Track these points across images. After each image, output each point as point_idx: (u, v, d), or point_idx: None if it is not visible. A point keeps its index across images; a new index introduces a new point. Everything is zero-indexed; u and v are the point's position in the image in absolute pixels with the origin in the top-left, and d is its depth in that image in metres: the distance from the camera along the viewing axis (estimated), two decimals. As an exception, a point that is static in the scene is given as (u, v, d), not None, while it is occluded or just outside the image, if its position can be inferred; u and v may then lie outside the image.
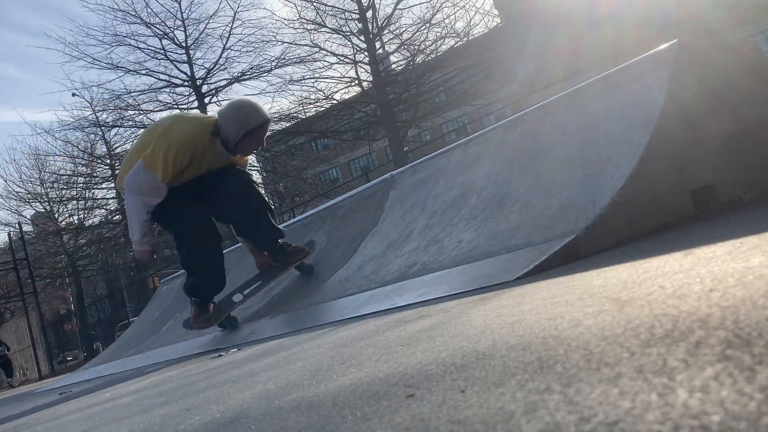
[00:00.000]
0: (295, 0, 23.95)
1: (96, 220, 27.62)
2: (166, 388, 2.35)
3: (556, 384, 0.80)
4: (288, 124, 25.44)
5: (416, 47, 23.58)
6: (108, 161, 26.32)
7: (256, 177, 26.62)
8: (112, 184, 26.65)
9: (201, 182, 4.24)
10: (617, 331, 0.99)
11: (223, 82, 25.11)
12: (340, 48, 24.48)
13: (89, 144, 26.53)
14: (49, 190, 27.79)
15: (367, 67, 24.05)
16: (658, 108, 2.85)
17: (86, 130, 25.69)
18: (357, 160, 41.07)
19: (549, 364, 0.91)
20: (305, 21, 23.80)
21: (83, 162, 26.49)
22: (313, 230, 5.39)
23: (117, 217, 26.54)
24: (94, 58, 23.65)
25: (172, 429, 1.34)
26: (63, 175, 26.86)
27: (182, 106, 24.63)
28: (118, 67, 23.83)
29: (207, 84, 24.85)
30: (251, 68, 24.64)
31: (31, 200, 28.29)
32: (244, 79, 24.83)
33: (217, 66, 24.53)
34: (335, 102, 24.67)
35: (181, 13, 24.15)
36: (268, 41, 25.59)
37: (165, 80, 24.41)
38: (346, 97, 25.24)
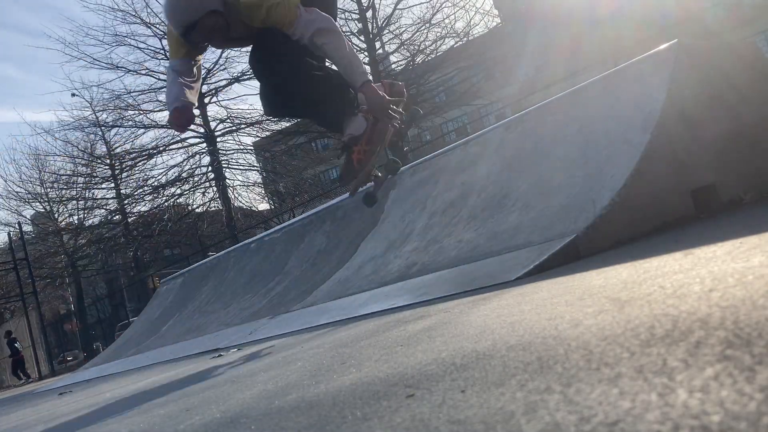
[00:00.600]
0: (295, 0, 23.95)
1: (96, 220, 27.61)
2: (166, 388, 2.35)
3: (556, 384, 0.80)
4: (288, 124, 25.42)
5: (416, 47, 23.57)
6: (108, 161, 26.31)
7: (257, 177, 26.64)
8: (112, 184, 26.65)
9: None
10: (617, 331, 0.99)
11: (223, 82, 25.11)
12: (340, 48, 24.45)
13: (89, 144, 26.54)
14: (49, 190, 27.80)
15: (367, 67, 24.05)
16: (658, 108, 2.85)
17: (86, 130, 25.70)
18: (357, 160, 40.92)
19: (549, 364, 0.91)
20: (305, 21, 23.78)
21: (83, 162, 26.48)
22: (312, 231, 5.39)
23: (117, 217, 26.53)
24: (93, 58, 23.66)
25: (172, 429, 1.34)
26: (63, 175, 26.86)
27: (182, 107, 24.58)
28: (118, 67, 23.84)
29: (207, 84, 24.83)
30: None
31: (31, 200, 28.30)
32: (244, 79, 24.82)
33: (217, 66, 24.52)
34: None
35: (181, 13, 24.09)
36: (268, 41, 25.51)
37: (165, 80, 24.40)
38: (346, 97, 25.20)
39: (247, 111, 26.56)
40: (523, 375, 0.89)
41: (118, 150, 26.02)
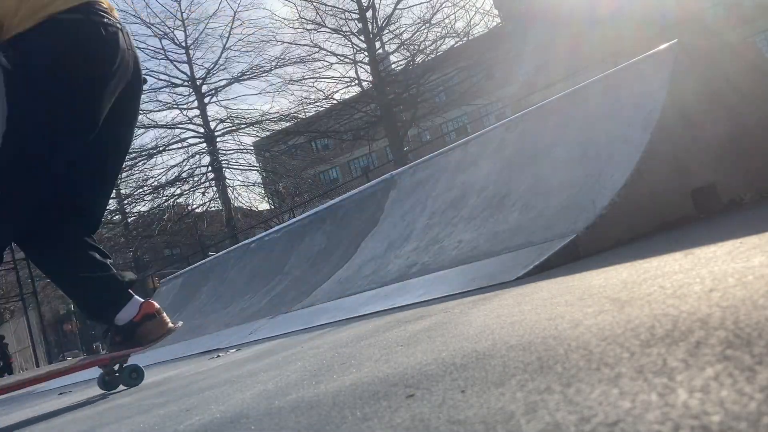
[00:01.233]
0: (295, 0, 23.98)
1: (96, 220, 27.58)
2: (166, 388, 2.35)
3: (556, 384, 0.80)
4: (288, 124, 25.44)
5: (416, 47, 23.58)
6: (108, 161, 26.30)
7: (257, 177, 26.63)
8: (112, 184, 26.61)
9: None
10: (617, 331, 0.99)
11: (223, 82, 25.13)
12: (340, 48, 24.49)
13: (89, 144, 26.53)
14: (49, 190, 27.77)
15: (367, 67, 24.05)
16: (658, 108, 2.85)
17: (86, 130, 25.68)
18: (357, 160, 41.07)
19: (549, 364, 0.91)
20: (305, 21, 23.82)
21: (83, 162, 26.45)
22: (312, 230, 5.39)
23: (117, 217, 26.53)
24: (94, 58, 23.63)
25: (172, 429, 1.34)
26: (63, 175, 26.84)
27: (182, 106, 24.65)
28: (117, 67, 23.82)
29: (207, 84, 24.86)
30: (251, 68, 24.67)
31: (31, 200, 28.28)
32: (244, 79, 24.87)
33: (216, 66, 24.55)
34: (335, 102, 24.67)
35: (181, 13, 24.19)
36: (267, 41, 25.63)
37: (165, 80, 24.43)
38: (346, 97, 25.25)
39: (247, 111, 26.63)
40: (523, 375, 0.89)
41: (117, 150, 26.00)
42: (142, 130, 25.02)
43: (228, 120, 24.92)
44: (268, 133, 25.83)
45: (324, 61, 24.38)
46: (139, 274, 28.71)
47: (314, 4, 23.42)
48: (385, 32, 24.16)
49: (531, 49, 25.86)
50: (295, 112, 25.05)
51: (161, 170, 29.01)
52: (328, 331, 2.82)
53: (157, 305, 2.92)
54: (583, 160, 3.06)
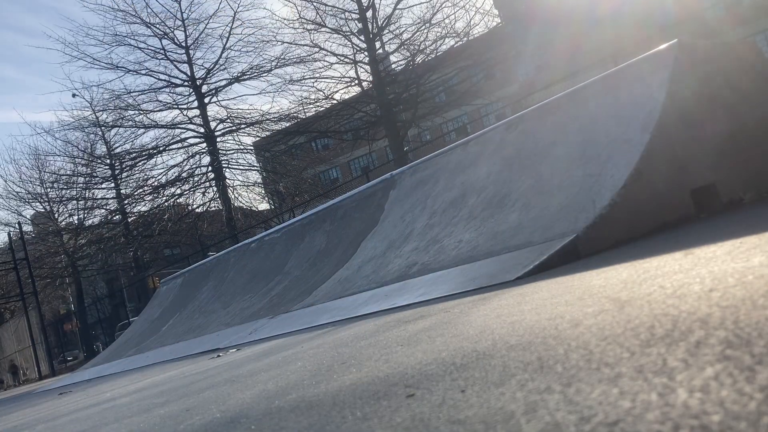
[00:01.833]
0: (295, 0, 23.96)
1: (96, 220, 27.60)
2: (166, 388, 2.35)
3: (556, 384, 0.80)
4: (288, 124, 25.43)
5: (416, 47, 23.55)
6: (108, 161, 26.31)
7: (257, 177, 26.63)
8: (112, 184, 26.64)
9: None
10: (617, 331, 0.99)
11: (223, 82, 25.10)
12: (340, 48, 24.47)
13: (89, 144, 26.54)
14: (49, 190, 27.79)
15: (367, 67, 24.03)
16: (658, 108, 2.85)
17: (86, 130, 25.71)
18: (357, 160, 41.07)
19: (549, 364, 0.91)
20: (305, 21, 23.79)
21: (83, 162, 26.48)
22: (312, 230, 5.39)
23: (117, 217, 26.52)
24: (94, 58, 23.66)
25: (172, 429, 1.34)
26: (63, 175, 26.86)
27: (182, 106, 24.63)
28: (118, 67, 23.83)
29: (207, 84, 24.84)
30: (251, 68, 24.64)
31: (31, 200, 28.29)
32: (244, 79, 24.83)
33: (217, 66, 24.52)
34: (335, 102, 24.65)
35: (181, 13, 24.15)
36: (268, 41, 25.58)
37: (165, 80, 24.41)
38: (346, 97, 25.23)
39: (247, 111, 26.54)
40: (523, 375, 0.89)
41: (118, 150, 26.03)
42: (142, 130, 25.01)
43: (228, 120, 24.91)
44: (268, 133, 25.81)
45: (324, 61, 24.36)
46: (140, 274, 28.72)
47: (314, 4, 23.41)
48: (385, 32, 24.13)
49: (531, 49, 25.88)
50: (295, 112, 25.03)
51: (161, 170, 28.99)
52: (328, 331, 2.82)
53: None
54: (583, 160, 3.06)
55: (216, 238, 26.05)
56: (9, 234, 23.49)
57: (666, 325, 0.94)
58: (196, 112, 25.36)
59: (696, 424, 0.55)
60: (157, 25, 24.22)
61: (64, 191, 27.58)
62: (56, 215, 28.86)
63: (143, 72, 24.64)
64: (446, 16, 23.74)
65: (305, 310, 3.99)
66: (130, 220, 26.58)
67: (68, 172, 27.01)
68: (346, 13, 23.86)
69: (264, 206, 29.37)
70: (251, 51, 25.17)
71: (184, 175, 24.86)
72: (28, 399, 5.68)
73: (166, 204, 25.18)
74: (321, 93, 24.78)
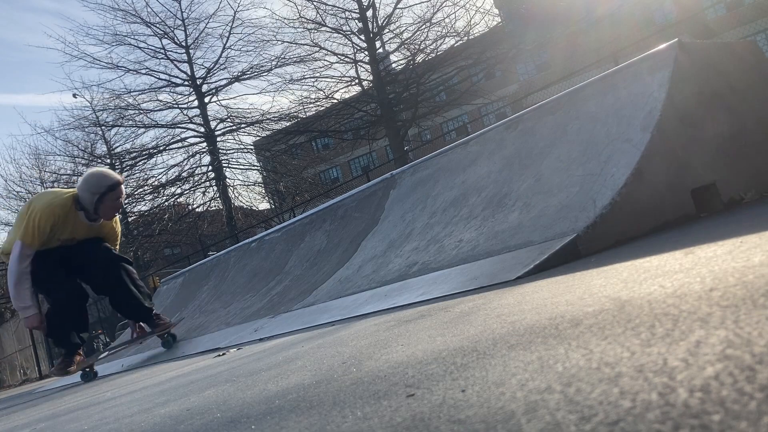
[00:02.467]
0: (296, 0, 23.98)
1: (96, 219, 27.59)
2: (167, 388, 2.35)
3: (556, 383, 0.80)
4: (288, 124, 25.44)
5: (416, 46, 23.57)
6: (108, 161, 26.33)
7: (257, 177, 26.63)
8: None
9: (70, 250, 4.79)
10: (617, 331, 0.99)
11: (224, 82, 25.13)
12: (341, 47, 24.48)
13: (89, 143, 26.57)
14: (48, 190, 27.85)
15: (368, 67, 24.04)
16: (658, 107, 2.85)
17: (86, 130, 25.73)
18: (357, 160, 41.10)
19: (549, 364, 0.91)
20: (305, 20, 23.80)
21: (83, 162, 26.50)
22: (313, 230, 5.39)
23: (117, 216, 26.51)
24: (94, 58, 23.70)
25: (172, 429, 1.34)
26: (63, 174, 26.89)
27: (182, 106, 24.64)
28: (118, 66, 23.86)
29: (207, 83, 24.86)
30: (251, 67, 24.67)
31: (31, 200, 28.34)
32: (244, 79, 24.85)
33: (217, 65, 24.54)
34: (335, 101, 24.67)
35: (181, 12, 24.17)
36: (268, 41, 25.64)
37: (165, 80, 24.44)
38: (347, 96, 25.24)
39: (247, 110, 26.57)
40: (524, 374, 0.89)
41: (118, 149, 26.06)
42: (142, 130, 25.03)
43: (228, 119, 24.93)
44: (268, 133, 25.83)
45: (324, 60, 24.37)
46: (140, 273, 28.70)
47: (314, 3, 23.42)
48: (385, 31, 24.15)
49: (531, 48, 25.88)
50: (296, 112, 25.05)
51: (161, 170, 29.03)
52: (329, 331, 2.82)
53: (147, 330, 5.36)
54: (583, 159, 3.06)
55: (216, 238, 26.06)
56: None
57: (666, 324, 0.94)
58: (197, 111, 25.37)
59: (696, 423, 0.55)
60: (158, 25, 24.23)
61: (64, 191, 27.54)
62: (56, 215, 28.80)
63: (143, 71, 24.66)
64: (446, 15, 23.77)
65: (305, 310, 3.99)
66: (130, 219, 26.58)
67: (68, 172, 27.02)
68: (347, 13, 23.86)
69: (264, 206, 29.39)
70: (251, 50, 25.18)
71: (184, 174, 24.87)
72: (28, 399, 5.68)
73: (166, 203, 25.19)
74: (321, 92, 24.77)
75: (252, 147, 27.04)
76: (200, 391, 1.87)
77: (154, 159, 25.22)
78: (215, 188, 24.71)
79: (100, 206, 4.63)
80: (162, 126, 24.84)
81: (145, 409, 1.82)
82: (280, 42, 24.79)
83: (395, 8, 23.76)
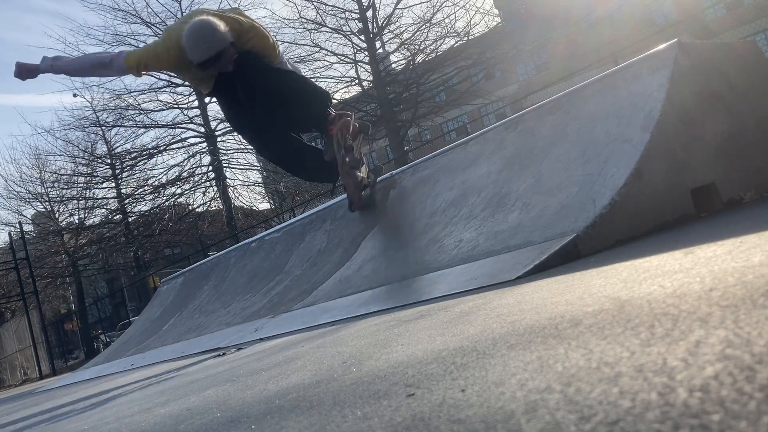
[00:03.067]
0: (296, 0, 23.98)
1: (96, 219, 27.61)
2: (167, 388, 2.35)
3: (556, 383, 0.80)
4: (288, 124, 25.40)
5: (416, 47, 23.56)
6: (108, 161, 26.34)
7: (257, 177, 26.61)
8: (113, 184, 26.67)
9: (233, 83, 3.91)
10: (617, 331, 0.99)
11: (224, 82, 25.08)
12: (341, 47, 24.48)
13: (90, 144, 26.56)
14: (49, 189, 27.82)
15: (368, 67, 24.03)
16: (658, 107, 2.85)
17: (87, 130, 25.72)
18: (357, 160, 40.98)
19: (549, 364, 0.91)
20: (305, 20, 23.80)
21: (83, 162, 26.50)
22: (313, 230, 5.39)
23: (117, 216, 26.54)
24: (94, 58, 23.66)
25: (172, 429, 1.34)
26: (63, 174, 26.89)
27: (183, 106, 24.63)
28: (118, 66, 23.82)
29: (207, 84, 24.80)
30: (251, 68, 24.62)
31: (31, 200, 28.32)
32: (244, 79, 24.82)
33: (217, 66, 24.49)
34: (335, 101, 24.66)
35: (182, 12, 24.15)
36: (268, 41, 25.59)
37: (165, 80, 24.42)
38: (347, 96, 25.24)
39: (247, 110, 26.54)
40: (523, 374, 0.89)
41: (118, 149, 26.04)
42: (142, 130, 25.01)
43: (228, 119, 24.90)
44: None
45: (324, 60, 24.36)
46: (140, 273, 28.72)
47: (315, 3, 23.41)
48: (385, 32, 24.14)
49: (531, 48, 25.88)
50: (296, 112, 24.99)
51: (162, 170, 29.03)
52: (329, 331, 2.82)
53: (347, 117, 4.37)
54: (583, 159, 3.06)
55: (216, 238, 26.04)
56: (10, 234, 23.49)
57: (666, 324, 0.94)
58: (197, 111, 25.34)
59: (696, 423, 0.55)
60: (158, 25, 24.20)
61: (64, 191, 27.59)
62: (57, 215, 28.87)
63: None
64: (446, 15, 23.73)
65: (306, 310, 3.99)
66: (130, 219, 26.57)
67: (69, 172, 27.01)
68: (347, 13, 23.84)
69: (264, 206, 29.37)
70: (251, 51, 25.09)
71: (184, 174, 24.85)
72: (28, 398, 5.68)
73: (166, 204, 25.17)
74: (321, 92, 24.64)
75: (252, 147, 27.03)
76: (200, 391, 1.87)
77: (154, 159, 25.21)
78: (215, 188, 24.70)
79: (206, 67, 3.73)
80: (162, 126, 24.83)
81: (145, 409, 1.82)
82: (280, 42, 24.80)
83: (395, 8, 23.76)
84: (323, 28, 24.01)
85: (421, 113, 24.22)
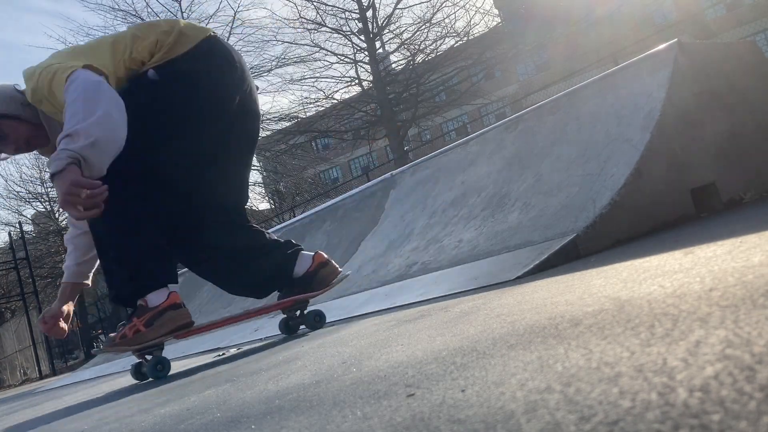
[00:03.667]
0: (296, 0, 24.01)
1: (96, 219, 27.61)
2: (167, 388, 2.35)
3: (556, 383, 0.80)
4: (288, 124, 25.44)
5: (416, 47, 23.58)
6: (108, 161, 26.34)
7: (257, 177, 26.61)
8: (112, 184, 26.68)
9: None
10: (617, 331, 0.99)
11: (223, 82, 25.10)
12: (341, 47, 24.53)
13: (89, 144, 26.56)
14: (49, 189, 27.83)
15: (367, 67, 24.05)
16: (658, 107, 2.85)
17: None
18: (357, 160, 41.12)
19: (549, 364, 0.91)
20: (305, 20, 23.81)
21: (83, 162, 26.48)
22: (313, 230, 5.39)
23: (117, 216, 26.52)
24: (94, 58, 23.66)
25: (172, 429, 1.34)
26: (63, 174, 26.87)
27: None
28: (118, 66, 23.83)
29: (207, 84, 24.81)
30: (251, 68, 24.66)
31: (31, 200, 28.34)
32: (244, 79, 24.84)
33: (217, 66, 24.51)
34: (335, 101, 24.67)
35: (182, 12, 24.16)
36: (268, 41, 25.72)
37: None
38: (347, 96, 25.25)
39: (247, 111, 26.57)
40: (523, 374, 0.89)
41: (118, 149, 26.03)
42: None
43: (228, 120, 24.91)
44: (268, 133, 25.84)
45: (324, 60, 24.38)
46: (140, 273, 28.68)
47: (314, 3, 23.42)
48: (385, 32, 24.15)
49: (531, 48, 25.89)
50: (296, 112, 25.04)
51: (161, 170, 28.92)
52: (329, 331, 2.82)
53: (326, 255, 3.19)
54: (582, 159, 3.06)
55: (216, 238, 25.95)
56: (9, 233, 23.49)
57: (666, 324, 0.94)
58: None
59: (696, 423, 0.55)
60: (157, 25, 24.17)
61: (64, 191, 27.54)
62: (57, 215, 28.88)
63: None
64: (446, 15, 23.79)
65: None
66: (130, 219, 26.53)
67: (68, 172, 26.97)
68: (347, 13, 23.87)
69: (264, 206, 29.39)
70: (251, 51, 25.21)
71: (184, 174, 24.84)
72: (28, 398, 5.68)
73: (166, 204, 25.14)
74: (321, 92, 24.81)
75: (252, 147, 27.03)
76: (200, 391, 1.87)
77: (154, 159, 25.21)
78: (215, 188, 24.67)
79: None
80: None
81: (145, 409, 1.82)
82: (280, 42, 24.86)
83: (395, 8, 23.77)
84: (323, 28, 24.03)
85: (421, 113, 24.24)
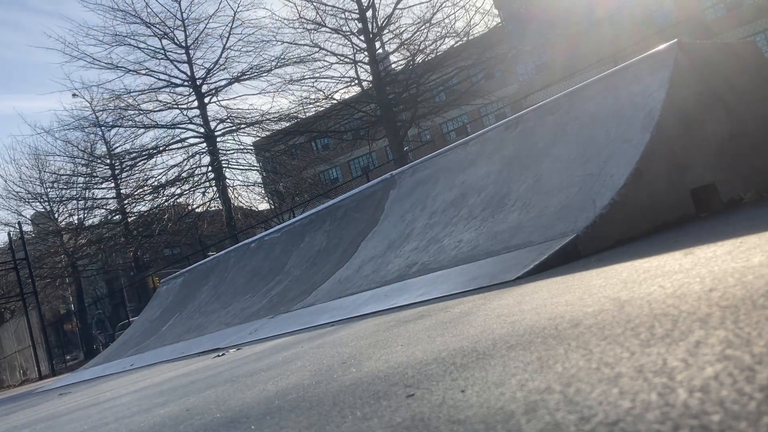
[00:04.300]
0: (295, 0, 23.98)
1: (96, 220, 27.62)
2: (166, 388, 2.35)
3: (556, 384, 0.80)
4: (288, 124, 25.43)
5: (416, 47, 23.55)
6: (108, 161, 26.33)
7: (257, 177, 26.63)
8: (112, 184, 26.67)
9: None
10: (617, 331, 0.99)
11: (223, 82, 25.09)
12: (340, 48, 24.48)
13: (89, 144, 26.57)
14: (49, 190, 27.83)
15: (367, 67, 24.03)
16: (658, 108, 2.85)
17: (86, 130, 25.73)
18: (357, 160, 41.10)
19: (549, 364, 0.91)
20: (305, 21, 23.78)
21: (83, 162, 26.50)
22: (313, 230, 5.39)
23: (117, 217, 26.52)
24: (93, 58, 23.67)
25: (172, 429, 1.34)
26: (63, 174, 26.89)
27: (182, 106, 24.64)
28: (117, 67, 23.83)
29: (207, 84, 24.83)
30: (251, 68, 24.65)
31: (31, 200, 28.31)
32: (244, 79, 24.83)
33: (217, 66, 24.51)
34: (335, 102, 24.65)
35: (181, 12, 24.15)
36: (268, 41, 25.63)
37: (165, 80, 24.41)
38: (346, 96, 25.23)
39: (247, 111, 26.56)
40: (523, 375, 0.89)
41: (118, 150, 26.04)
42: (142, 130, 25.00)
43: (228, 120, 24.91)
44: (268, 133, 25.81)
45: (324, 61, 24.35)
46: (140, 274, 28.71)
47: (314, 4, 23.40)
48: (385, 32, 24.12)
49: (531, 48, 25.88)
50: (295, 112, 25.02)
51: (161, 170, 28.97)
52: (329, 331, 2.82)
53: None
54: (583, 159, 3.06)
55: (216, 238, 26.04)
56: (9, 234, 23.47)
57: (666, 324, 0.94)
58: (196, 112, 25.36)
59: (696, 423, 0.55)
60: (157, 25, 24.20)
61: (64, 191, 27.60)
62: (56, 215, 28.90)
63: (143, 72, 24.64)
64: (446, 15, 23.74)
65: (305, 310, 3.99)
66: (130, 220, 26.58)
67: (68, 172, 27.02)
68: (346, 13, 23.86)
69: (264, 206, 29.39)
70: (251, 51, 25.17)
71: (184, 175, 24.86)
72: (28, 399, 5.68)
73: (166, 204, 25.18)
74: (321, 93, 24.78)
75: (252, 147, 27.04)
76: (200, 391, 1.87)
77: (153, 159, 25.19)
78: (215, 188, 24.69)
79: None
80: (162, 126, 24.82)
81: (144, 410, 1.82)
82: (279, 42, 24.81)
83: (395, 9, 23.75)
84: (323, 29, 24.01)
85: (421, 113, 24.23)
